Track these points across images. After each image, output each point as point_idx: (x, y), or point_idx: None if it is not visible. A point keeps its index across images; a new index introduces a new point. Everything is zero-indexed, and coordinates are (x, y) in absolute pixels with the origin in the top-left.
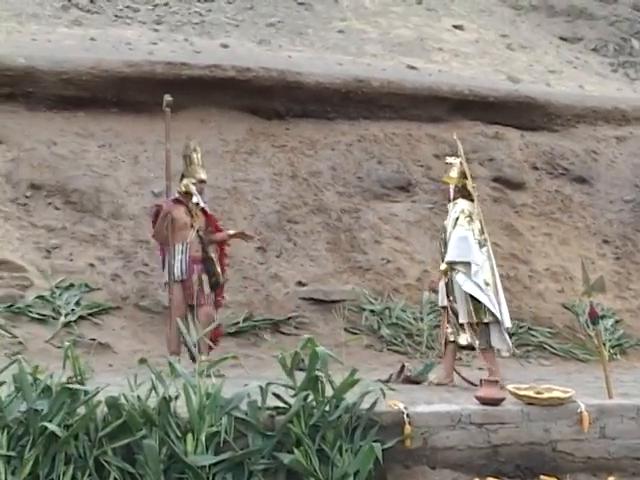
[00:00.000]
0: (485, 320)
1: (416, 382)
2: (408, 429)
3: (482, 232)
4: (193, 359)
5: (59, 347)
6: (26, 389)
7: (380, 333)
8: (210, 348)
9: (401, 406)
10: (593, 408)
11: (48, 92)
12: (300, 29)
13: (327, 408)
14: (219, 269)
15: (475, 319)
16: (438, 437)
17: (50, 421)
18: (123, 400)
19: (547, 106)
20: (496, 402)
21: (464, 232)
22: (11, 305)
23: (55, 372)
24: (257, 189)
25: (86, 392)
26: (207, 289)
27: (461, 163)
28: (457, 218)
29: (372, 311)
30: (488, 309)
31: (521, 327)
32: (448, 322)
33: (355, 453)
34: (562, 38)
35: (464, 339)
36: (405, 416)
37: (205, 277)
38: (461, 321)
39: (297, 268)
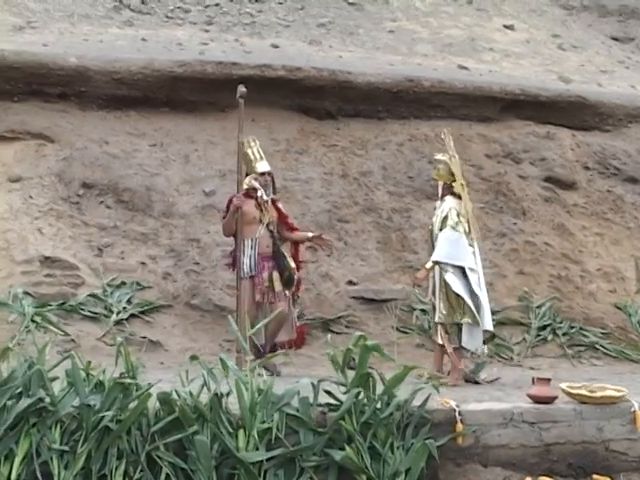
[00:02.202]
0: (463, 321)
1: (467, 381)
2: (460, 427)
3: (469, 232)
4: (257, 357)
5: (111, 345)
6: (79, 384)
7: (430, 333)
8: (291, 347)
9: (453, 404)
10: None
11: (100, 92)
12: (351, 29)
13: (378, 405)
14: (292, 264)
15: (452, 320)
16: (490, 435)
17: (103, 416)
18: (175, 396)
19: (599, 106)
20: (549, 400)
21: (455, 234)
22: (63, 303)
23: (107, 368)
24: (308, 188)
25: (138, 387)
26: (278, 286)
27: (450, 160)
28: (445, 217)
29: (423, 310)
30: (469, 311)
31: (572, 327)
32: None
33: (407, 451)
34: (614, 38)
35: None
36: (457, 414)
37: (276, 274)
38: (436, 320)
39: (348, 267)
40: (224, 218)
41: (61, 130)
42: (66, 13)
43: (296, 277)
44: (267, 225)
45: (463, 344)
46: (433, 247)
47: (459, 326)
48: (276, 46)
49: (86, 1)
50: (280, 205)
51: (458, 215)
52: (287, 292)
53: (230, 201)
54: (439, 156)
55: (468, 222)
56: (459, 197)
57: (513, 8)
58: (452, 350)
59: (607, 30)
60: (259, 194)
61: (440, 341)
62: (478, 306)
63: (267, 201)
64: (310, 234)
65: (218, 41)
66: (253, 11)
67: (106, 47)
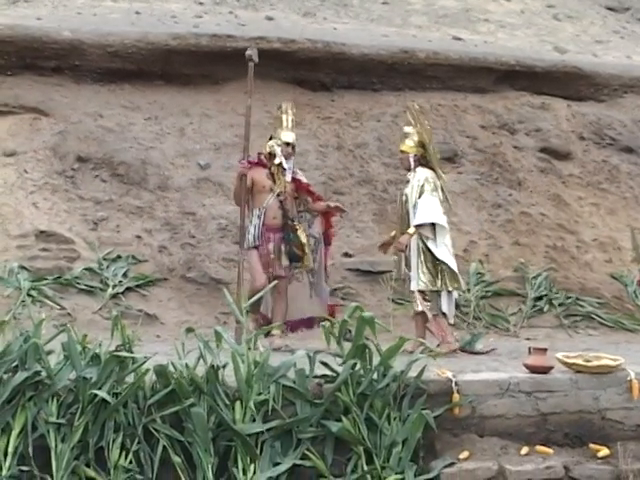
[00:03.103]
0: (449, 288)
1: (464, 351)
2: (456, 397)
3: (444, 201)
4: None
5: (107, 318)
6: (75, 357)
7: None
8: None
9: (449, 374)
10: None
11: (94, 65)
12: (345, 1)
13: (375, 376)
14: (304, 239)
15: (433, 287)
16: (486, 405)
17: (99, 389)
18: (171, 368)
19: (594, 76)
20: (545, 370)
21: (434, 199)
22: (59, 277)
23: (103, 341)
24: (303, 161)
25: (134, 360)
26: (285, 260)
27: (419, 132)
28: (422, 186)
29: None
30: (453, 277)
31: (569, 297)
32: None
33: (403, 421)
34: (609, 8)
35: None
36: (453, 384)
37: (283, 247)
38: (412, 289)
39: (343, 239)
40: None
41: (55, 104)
42: None
43: (307, 254)
44: (277, 195)
45: (445, 310)
46: (408, 217)
47: (438, 293)
48: (270, 18)
49: None
50: (301, 177)
51: (434, 184)
52: (301, 266)
53: (249, 163)
54: (408, 129)
55: (443, 191)
56: (430, 168)
57: None
58: (435, 317)
59: (602, 0)
60: (277, 161)
61: (420, 309)
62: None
63: (284, 170)
64: (331, 203)
65: (212, 14)
66: None
67: (100, 20)
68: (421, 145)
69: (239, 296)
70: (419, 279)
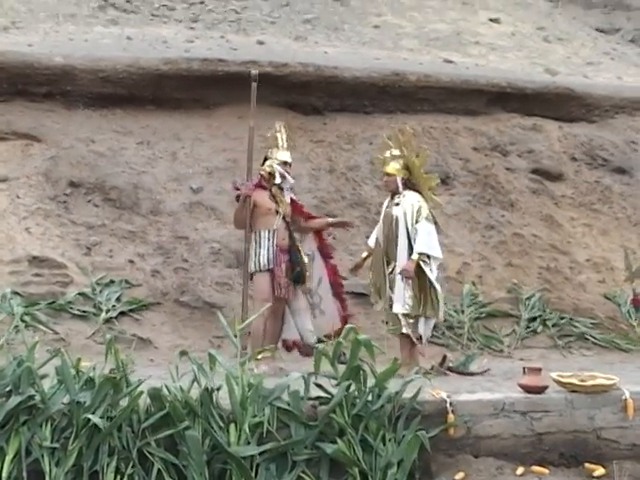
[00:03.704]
0: (428, 314)
1: (458, 373)
2: (451, 418)
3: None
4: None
5: (100, 343)
6: (69, 381)
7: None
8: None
9: (444, 395)
10: (638, 395)
11: (86, 90)
12: (336, 25)
13: (370, 398)
14: (305, 259)
15: (418, 312)
16: (481, 426)
17: (93, 413)
18: (165, 391)
19: (585, 97)
20: (539, 390)
21: (431, 225)
22: (52, 302)
23: (97, 365)
24: (295, 184)
25: (128, 384)
26: (289, 282)
27: (406, 156)
28: (419, 210)
29: None
30: (437, 304)
31: (562, 318)
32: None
33: (398, 443)
34: (599, 30)
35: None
36: (448, 405)
37: (284, 268)
38: (396, 311)
39: (337, 262)
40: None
41: (47, 129)
42: (51, 13)
43: (308, 274)
44: (283, 217)
45: (423, 335)
46: (397, 239)
47: (417, 317)
48: (262, 42)
49: (71, 1)
50: (294, 196)
51: (427, 208)
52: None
53: (238, 190)
54: (395, 152)
55: (432, 215)
56: (416, 191)
57: (498, 1)
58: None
59: (592, 22)
60: (277, 181)
61: (406, 331)
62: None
63: (283, 190)
64: (330, 219)
65: (203, 38)
66: (238, 8)
67: (91, 46)
68: (407, 168)
69: (244, 319)
70: (405, 302)
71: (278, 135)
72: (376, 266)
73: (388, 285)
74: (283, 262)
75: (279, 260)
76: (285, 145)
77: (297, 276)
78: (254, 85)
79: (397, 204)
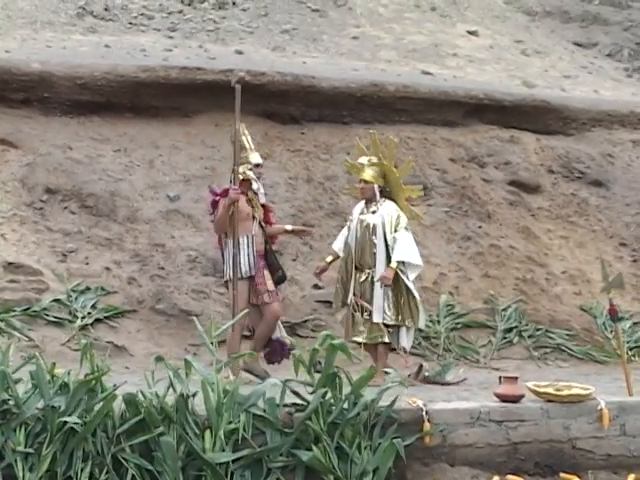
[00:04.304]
0: (407, 323)
1: (434, 382)
2: (427, 426)
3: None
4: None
5: (75, 350)
6: (43, 386)
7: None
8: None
9: (420, 403)
10: (613, 405)
11: (63, 97)
12: (314, 35)
13: (345, 405)
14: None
15: (396, 322)
16: (457, 434)
17: (68, 417)
18: (141, 397)
19: (562, 110)
20: (515, 399)
21: (409, 235)
22: (27, 308)
23: (72, 370)
24: (273, 193)
25: (103, 389)
26: (271, 285)
27: (382, 164)
28: (397, 219)
29: None
30: (416, 314)
31: (538, 329)
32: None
33: (374, 450)
34: (576, 44)
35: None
36: (424, 413)
37: (267, 273)
38: (377, 320)
39: (313, 271)
40: (211, 214)
41: (24, 136)
42: (29, 20)
43: (287, 276)
44: (259, 222)
45: (404, 344)
46: (372, 247)
47: (398, 327)
48: (240, 52)
49: (49, 8)
50: (263, 197)
51: (404, 217)
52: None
53: (216, 196)
54: (373, 159)
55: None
56: (391, 199)
57: (476, 14)
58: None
59: (570, 36)
60: (255, 186)
61: (387, 340)
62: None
63: (258, 195)
64: (288, 227)
65: (182, 47)
66: (216, 18)
67: (69, 53)
68: (383, 176)
69: (233, 329)
70: (384, 312)
71: (243, 138)
72: (344, 272)
73: (354, 293)
74: (264, 268)
75: (259, 266)
76: (252, 146)
77: (281, 279)
78: (238, 87)
79: (373, 212)
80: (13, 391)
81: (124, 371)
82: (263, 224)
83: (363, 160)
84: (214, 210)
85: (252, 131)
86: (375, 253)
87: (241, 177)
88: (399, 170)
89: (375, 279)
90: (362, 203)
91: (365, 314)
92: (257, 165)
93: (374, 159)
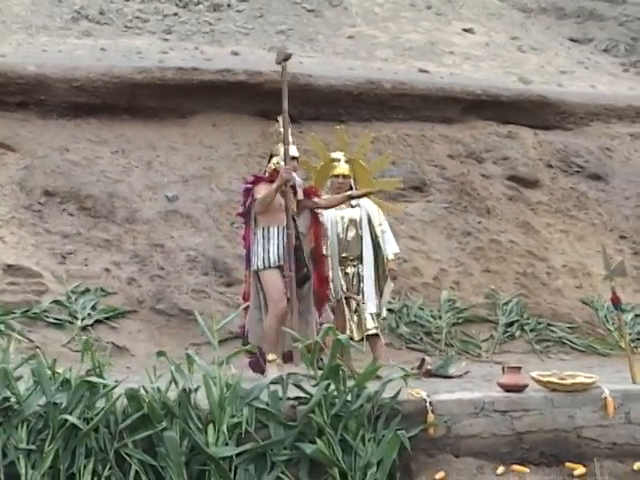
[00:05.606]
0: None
1: (437, 376)
2: (431, 417)
3: None
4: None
5: (76, 351)
6: (45, 383)
7: (399, 331)
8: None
9: (424, 394)
10: (618, 394)
11: (60, 99)
12: (310, 36)
13: (349, 397)
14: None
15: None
16: (461, 425)
17: (70, 414)
18: (143, 392)
19: (560, 104)
20: (519, 389)
21: (388, 227)
22: (27, 310)
23: (74, 367)
24: None
25: (105, 385)
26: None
27: (352, 159)
28: (379, 210)
29: (390, 310)
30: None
31: (540, 323)
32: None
33: (378, 442)
34: (572, 39)
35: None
36: (428, 404)
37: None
38: (372, 311)
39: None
40: (243, 205)
41: (21, 139)
42: (24, 25)
43: (310, 275)
44: (293, 216)
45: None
46: (360, 241)
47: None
48: (236, 53)
49: (44, 12)
50: (299, 188)
51: None
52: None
53: (248, 184)
54: (339, 154)
55: None
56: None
57: (472, 12)
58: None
59: (565, 32)
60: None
61: (376, 331)
62: None
63: (294, 187)
64: (350, 192)
65: (177, 50)
66: (212, 19)
67: (65, 57)
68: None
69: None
70: (377, 303)
71: (282, 130)
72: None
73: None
74: (292, 261)
75: (289, 258)
76: (291, 139)
77: (304, 278)
78: (285, 64)
79: (353, 206)
80: (14, 388)
81: (125, 371)
82: (296, 218)
83: (338, 155)
84: (245, 199)
85: (249, 131)
86: (362, 246)
87: (273, 167)
88: (371, 165)
89: (364, 272)
90: None
91: (355, 306)
92: (293, 158)
93: (348, 154)
